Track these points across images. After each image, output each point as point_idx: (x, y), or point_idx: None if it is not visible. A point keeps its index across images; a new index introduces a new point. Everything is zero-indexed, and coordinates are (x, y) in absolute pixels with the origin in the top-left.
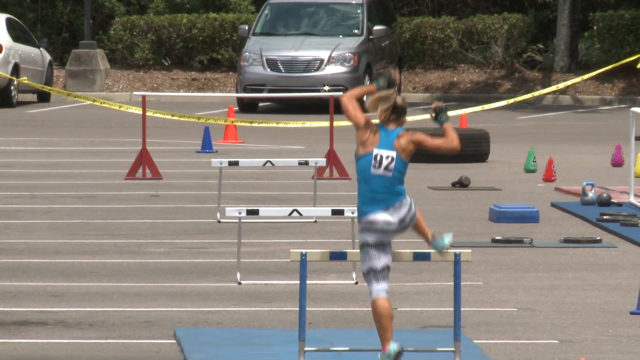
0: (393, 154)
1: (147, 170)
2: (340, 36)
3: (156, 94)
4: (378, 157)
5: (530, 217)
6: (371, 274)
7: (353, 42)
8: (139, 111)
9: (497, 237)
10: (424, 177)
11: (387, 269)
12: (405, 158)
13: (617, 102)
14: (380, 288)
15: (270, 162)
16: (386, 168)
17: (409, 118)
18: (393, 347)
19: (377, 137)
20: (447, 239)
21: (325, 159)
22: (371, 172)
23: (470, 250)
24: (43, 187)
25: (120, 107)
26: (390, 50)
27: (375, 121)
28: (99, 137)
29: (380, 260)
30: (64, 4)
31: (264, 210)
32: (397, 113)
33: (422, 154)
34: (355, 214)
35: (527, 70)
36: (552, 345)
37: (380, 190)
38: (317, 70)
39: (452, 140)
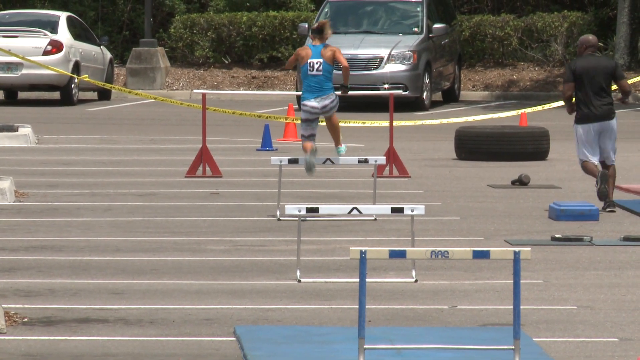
0: (320, 60)
1: (207, 168)
2: (400, 34)
3: (216, 92)
4: (311, 64)
5: (590, 215)
6: (302, 137)
7: (413, 40)
8: (199, 108)
9: (556, 235)
10: (484, 175)
11: (312, 135)
12: (328, 62)
13: None
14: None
15: (330, 160)
16: (317, 69)
17: (469, 117)
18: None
19: (309, 53)
20: (343, 148)
21: (385, 157)
22: (309, 73)
23: (529, 249)
24: (104, 185)
25: (181, 103)
26: (449, 48)
27: (308, 44)
28: (160, 135)
29: (307, 130)
30: (125, 2)
31: (324, 208)
32: (317, 33)
33: (480, 153)
34: (415, 212)
35: None
36: (612, 343)
37: (313, 85)
38: (376, 68)
39: (346, 62)
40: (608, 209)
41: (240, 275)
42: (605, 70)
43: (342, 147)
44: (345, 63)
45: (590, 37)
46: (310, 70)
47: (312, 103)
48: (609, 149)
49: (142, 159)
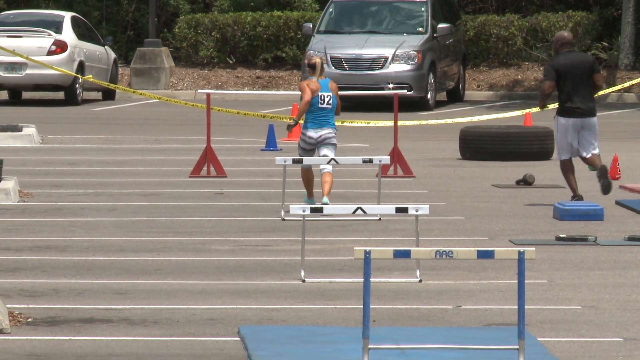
0: (330, 93)
1: (212, 168)
2: (405, 34)
3: (221, 92)
4: (322, 97)
5: (595, 215)
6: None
7: (417, 40)
8: (203, 108)
9: (561, 235)
10: (489, 175)
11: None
12: (336, 96)
13: None
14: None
15: (334, 159)
16: (328, 103)
17: (474, 117)
18: (312, 200)
19: (318, 86)
20: (328, 201)
21: (389, 157)
22: (319, 106)
23: (534, 248)
24: (108, 185)
25: (185, 103)
26: (454, 48)
27: (312, 79)
28: (164, 134)
29: (302, 157)
30: (129, 2)
31: (328, 208)
32: (320, 70)
33: (485, 152)
34: (419, 212)
35: None
36: (616, 343)
37: (320, 117)
38: (381, 68)
39: (340, 109)
40: (602, 179)
41: (245, 275)
42: (585, 66)
43: (328, 200)
44: (339, 108)
45: (566, 34)
46: (321, 103)
47: (310, 133)
48: (592, 142)
49: (146, 159)
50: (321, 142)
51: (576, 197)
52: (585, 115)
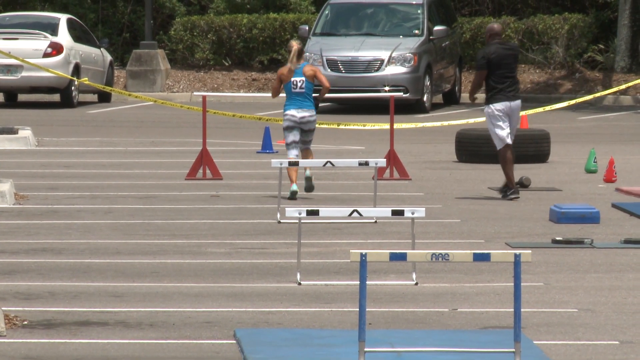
0: (303, 78)
1: (208, 171)
2: (401, 36)
3: (216, 94)
4: (294, 82)
5: (591, 218)
6: (286, 146)
7: (413, 43)
8: (199, 111)
9: (557, 238)
10: (485, 178)
11: (294, 142)
12: (310, 80)
13: None
14: (290, 154)
15: (330, 162)
16: (300, 87)
17: (470, 120)
18: (294, 186)
19: (290, 72)
20: (310, 175)
21: (385, 160)
22: (292, 91)
23: (530, 251)
24: (104, 188)
25: (181, 106)
26: (450, 50)
27: (289, 65)
28: (160, 137)
29: (289, 138)
30: (125, 4)
31: (324, 211)
32: (298, 56)
33: (481, 155)
34: (415, 215)
35: (588, 70)
36: (612, 346)
37: (296, 100)
38: (377, 70)
39: (327, 83)
40: (513, 196)
41: (241, 278)
42: (513, 54)
43: (310, 174)
44: (326, 83)
45: (496, 26)
46: (293, 88)
47: (292, 112)
48: (512, 129)
49: (142, 161)
50: (303, 125)
51: (513, 189)
52: (513, 99)
